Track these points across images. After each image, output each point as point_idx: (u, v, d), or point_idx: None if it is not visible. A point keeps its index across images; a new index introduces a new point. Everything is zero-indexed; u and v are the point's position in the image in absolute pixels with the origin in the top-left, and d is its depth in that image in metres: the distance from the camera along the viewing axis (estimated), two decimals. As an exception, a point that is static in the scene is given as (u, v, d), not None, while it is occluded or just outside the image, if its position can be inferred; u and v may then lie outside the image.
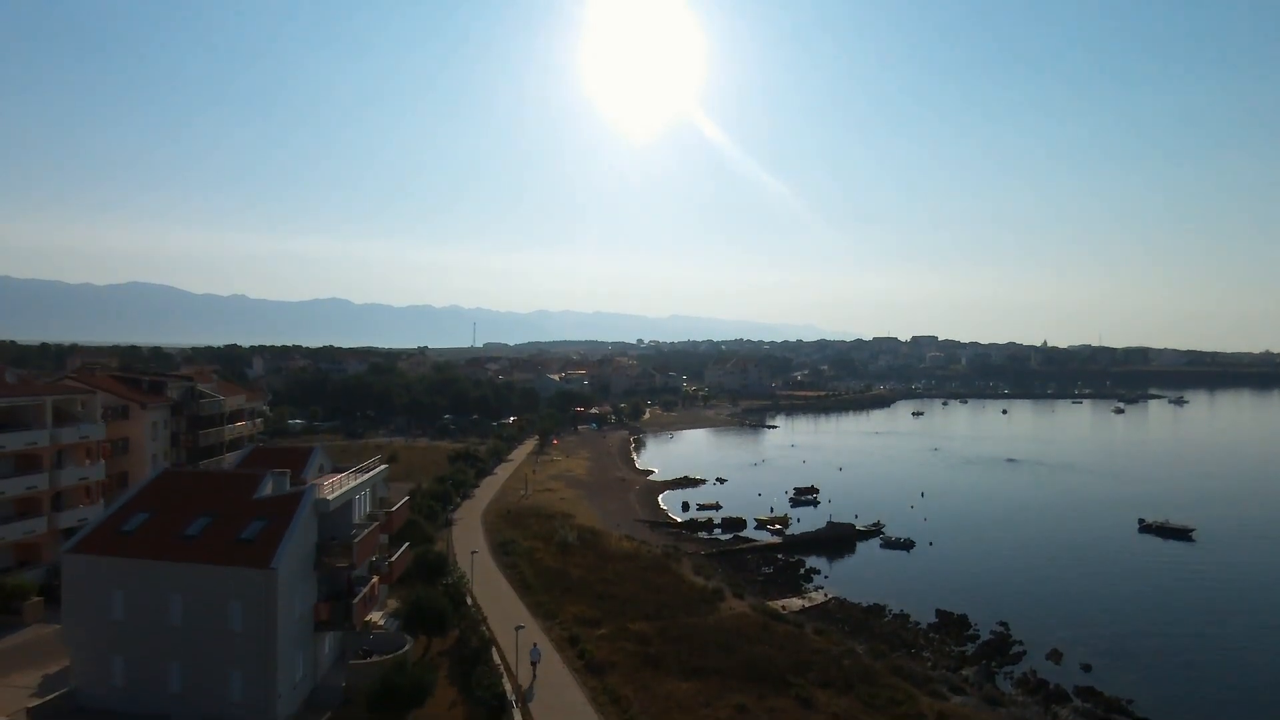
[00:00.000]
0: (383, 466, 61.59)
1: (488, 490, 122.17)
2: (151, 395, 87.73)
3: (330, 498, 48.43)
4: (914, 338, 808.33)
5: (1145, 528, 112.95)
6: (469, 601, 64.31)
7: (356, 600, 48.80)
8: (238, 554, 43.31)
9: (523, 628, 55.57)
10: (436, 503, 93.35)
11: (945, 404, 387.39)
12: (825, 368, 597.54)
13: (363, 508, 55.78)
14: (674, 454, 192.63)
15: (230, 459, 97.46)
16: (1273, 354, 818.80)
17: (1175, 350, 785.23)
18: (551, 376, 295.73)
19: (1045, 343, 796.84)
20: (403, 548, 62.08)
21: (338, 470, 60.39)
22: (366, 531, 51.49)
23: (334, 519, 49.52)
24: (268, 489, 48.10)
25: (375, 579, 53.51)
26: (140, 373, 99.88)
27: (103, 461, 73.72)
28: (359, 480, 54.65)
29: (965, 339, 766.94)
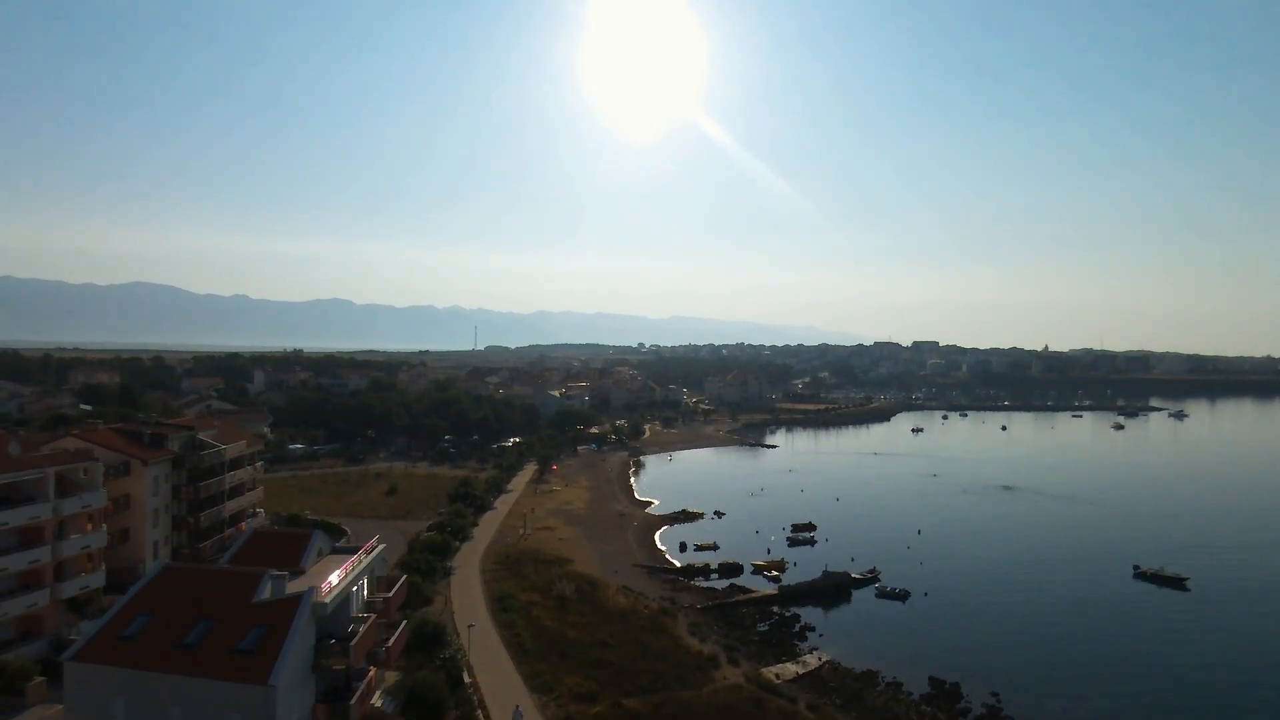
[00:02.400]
0: (381, 546, 62.31)
1: (487, 529, 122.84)
2: (153, 450, 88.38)
3: (328, 600, 49.12)
4: (915, 343, 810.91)
5: (1140, 574, 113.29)
6: (466, 679, 65.02)
7: (354, 700, 49.50)
8: (237, 667, 43.94)
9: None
10: (434, 556, 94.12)
11: (945, 418, 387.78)
12: (826, 375, 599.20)
13: (360, 597, 56.50)
14: (673, 479, 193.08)
15: (230, 507, 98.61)
16: (1274, 359, 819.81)
17: (1177, 355, 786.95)
18: (552, 393, 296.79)
19: (1046, 347, 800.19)
20: (400, 627, 62.54)
21: (336, 550, 61.26)
22: (365, 627, 52.16)
23: (332, 618, 50.22)
24: (266, 591, 48.77)
25: (372, 671, 54.19)
26: (142, 422, 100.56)
27: (104, 527, 74.43)
28: (357, 569, 55.30)
29: (967, 340, 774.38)
